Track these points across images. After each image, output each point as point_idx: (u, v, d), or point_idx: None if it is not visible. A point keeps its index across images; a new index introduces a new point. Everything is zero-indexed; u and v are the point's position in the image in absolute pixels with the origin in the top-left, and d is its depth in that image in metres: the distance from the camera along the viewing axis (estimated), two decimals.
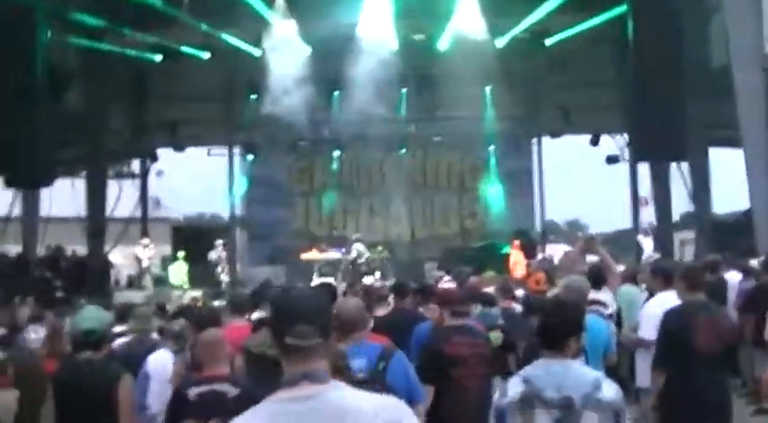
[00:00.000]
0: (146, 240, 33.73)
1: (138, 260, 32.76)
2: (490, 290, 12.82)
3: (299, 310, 3.56)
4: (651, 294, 11.14)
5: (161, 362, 8.75)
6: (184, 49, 31.70)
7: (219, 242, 32.85)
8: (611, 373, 9.11)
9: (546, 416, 4.98)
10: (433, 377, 7.20)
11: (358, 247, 31.23)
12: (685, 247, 31.77)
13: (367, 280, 23.64)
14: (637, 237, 32.27)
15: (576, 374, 5.14)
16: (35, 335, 11.12)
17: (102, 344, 7.33)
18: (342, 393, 3.53)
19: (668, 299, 9.47)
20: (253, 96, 35.57)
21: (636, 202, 36.76)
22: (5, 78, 24.59)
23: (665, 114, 25.36)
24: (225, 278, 31.89)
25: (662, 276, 10.16)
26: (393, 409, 3.57)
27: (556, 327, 5.33)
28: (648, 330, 9.34)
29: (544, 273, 11.97)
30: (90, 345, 7.16)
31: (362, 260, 30.82)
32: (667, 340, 8.46)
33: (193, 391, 6.68)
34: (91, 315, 7.35)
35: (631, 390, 10.15)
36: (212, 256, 32.19)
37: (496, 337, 9.93)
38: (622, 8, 27.56)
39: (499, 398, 5.11)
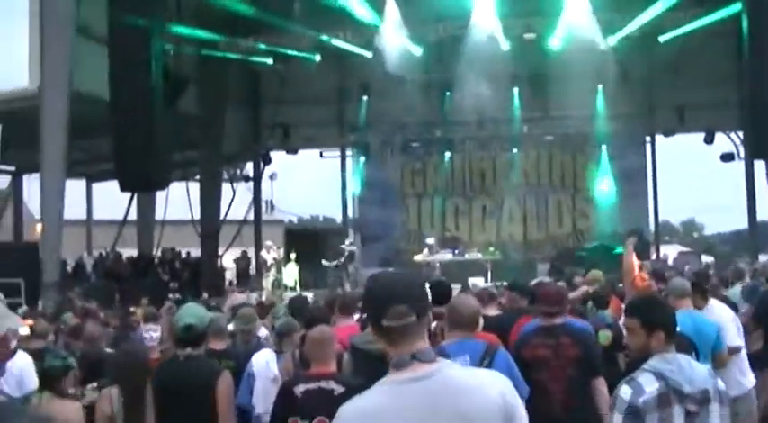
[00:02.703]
0: (269, 242, 34.09)
1: (263, 262, 33.08)
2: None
3: (391, 292, 3.54)
4: None
5: (264, 361, 8.79)
6: (296, 52, 31.87)
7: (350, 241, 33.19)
8: None
9: (681, 411, 4.84)
10: None
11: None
12: None
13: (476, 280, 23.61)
14: None
15: (697, 367, 5.03)
16: (151, 334, 11.25)
17: (202, 340, 7.32)
18: (456, 371, 3.52)
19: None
20: (365, 98, 35.77)
21: (752, 201, 35.97)
22: (123, 89, 25.07)
23: None
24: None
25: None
26: (504, 381, 3.57)
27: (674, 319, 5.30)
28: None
29: (653, 271, 11.80)
30: (189, 341, 7.18)
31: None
32: None
33: (300, 389, 6.67)
34: (190, 312, 7.36)
35: None
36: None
37: (605, 336, 9.76)
38: (737, 5, 27.02)
39: (633, 396, 4.87)
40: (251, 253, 37.57)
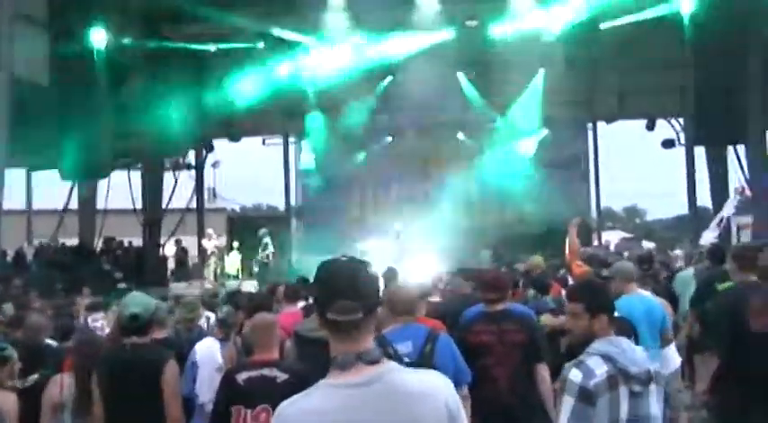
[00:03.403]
0: (210, 231, 33.92)
1: (203, 251, 32.92)
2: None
3: (339, 285, 3.44)
4: None
5: (208, 350, 8.76)
6: (239, 39, 31.68)
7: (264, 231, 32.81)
8: None
9: (626, 391, 4.91)
10: None
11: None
12: (742, 232, 31.33)
13: None
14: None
15: (637, 349, 5.15)
16: (101, 323, 11.23)
17: (148, 329, 7.32)
18: (401, 375, 3.43)
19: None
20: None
21: (692, 186, 36.27)
22: (64, 77, 24.88)
23: (723, 97, 25.02)
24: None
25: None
26: (447, 385, 3.50)
27: (614, 303, 5.44)
28: None
29: (589, 257, 11.97)
30: (135, 330, 7.17)
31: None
32: (721, 321, 8.21)
33: (242, 376, 6.69)
34: (136, 301, 7.34)
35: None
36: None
37: (546, 320, 9.85)
38: None
39: (583, 379, 4.92)
40: (190, 242, 37.35)
